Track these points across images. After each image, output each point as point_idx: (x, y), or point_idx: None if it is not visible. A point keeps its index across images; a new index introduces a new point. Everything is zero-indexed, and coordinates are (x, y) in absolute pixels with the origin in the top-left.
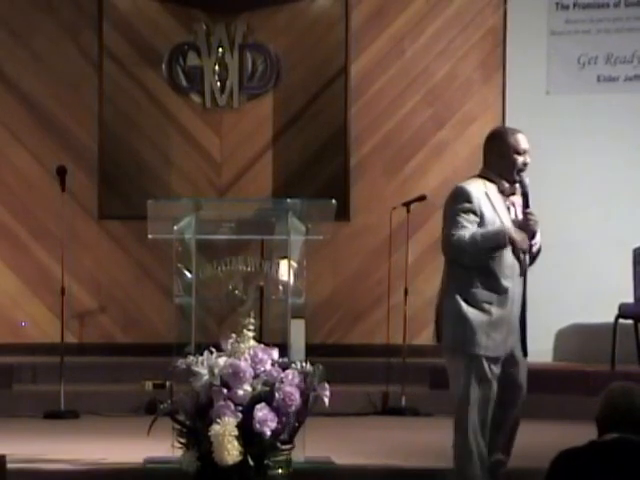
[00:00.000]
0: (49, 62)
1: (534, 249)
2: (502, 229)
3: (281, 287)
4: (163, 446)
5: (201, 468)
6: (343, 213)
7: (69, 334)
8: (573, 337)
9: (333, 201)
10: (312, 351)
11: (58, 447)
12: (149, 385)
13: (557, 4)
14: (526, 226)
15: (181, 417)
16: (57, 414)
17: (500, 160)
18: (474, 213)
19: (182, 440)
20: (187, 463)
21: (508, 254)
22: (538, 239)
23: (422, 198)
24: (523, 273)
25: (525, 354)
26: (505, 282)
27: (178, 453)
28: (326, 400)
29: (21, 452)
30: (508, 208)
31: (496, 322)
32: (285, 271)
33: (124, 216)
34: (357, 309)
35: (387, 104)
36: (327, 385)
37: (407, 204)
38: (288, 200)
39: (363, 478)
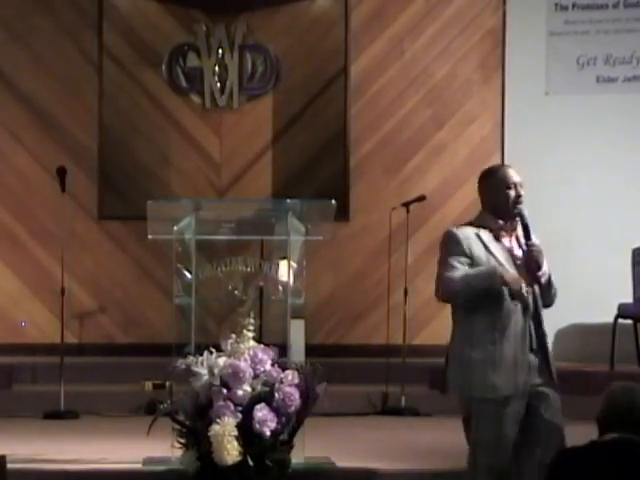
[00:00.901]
0: (49, 63)
1: (542, 280)
2: (493, 269)
3: (281, 287)
4: (163, 446)
5: (201, 468)
6: (343, 213)
7: (69, 334)
8: (572, 337)
9: (333, 201)
10: (312, 351)
11: (58, 447)
12: (149, 385)
13: (556, 5)
14: (529, 259)
15: (181, 417)
16: (57, 414)
17: (493, 198)
18: (465, 255)
19: (182, 440)
20: (187, 463)
21: (507, 293)
22: (545, 269)
23: (422, 198)
24: (526, 307)
25: (553, 386)
26: (506, 319)
27: (178, 453)
28: (326, 400)
29: (21, 452)
30: (510, 249)
31: (500, 361)
32: (285, 271)
33: (124, 216)
34: (357, 309)
35: (387, 105)
36: (327, 385)
37: (407, 204)
38: (288, 200)
39: (363, 478)
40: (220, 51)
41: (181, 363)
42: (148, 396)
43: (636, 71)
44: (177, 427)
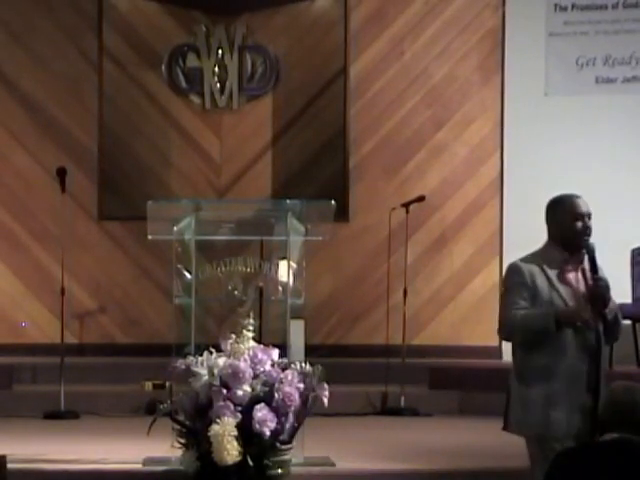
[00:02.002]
0: (49, 63)
1: (608, 317)
2: (548, 312)
3: (280, 288)
4: (163, 446)
5: (201, 468)
6: (342, 214)
7: (69, 334)
8: None
9: (332, 202)
10: (311, 351)
11: (58, 447)
12: (149, 385)
13: (555, 6)
14: (595, 294)
15: (181, 417)
16: (57, 414)
17: (560, 229)
18: (527, 288)
19: (182, 440)
20: (187, 463)
21: (568, 330)
22: (613, 306)
23: (421, 199)
24: (585, 346)
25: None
26: (564, 359)
27: (178, 453)
28: (325, 400)
29: (21, 452)
30: (575, 284)
31: (556, 399)
32: (284, 272)
33: (124, 217)
34: (356, 309)
35: (386, 105)
36: (326, 385)
37: (406, 205)
38: (287, 201)
39: (362, 478)
40: (220, 52)
41: (181, 363)
42: (148, 396)
43: (635, 72)
44: (177, 427)
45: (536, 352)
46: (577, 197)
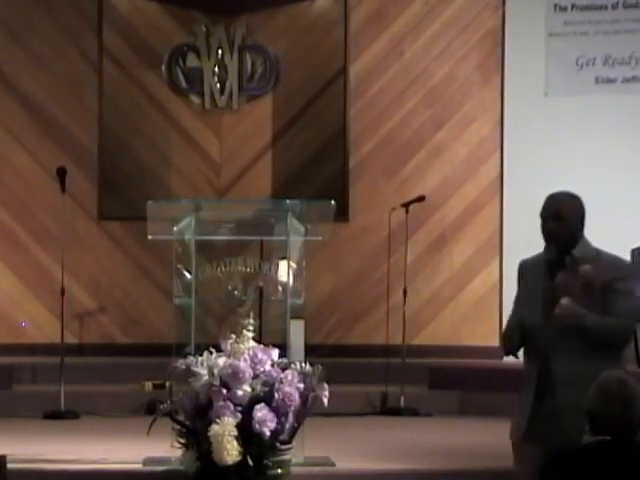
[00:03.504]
0: (49, 63)
1: (562, 320)
2: (514, 318)
3: (280, 288)
4: (163, 446)
5: (201, 468)
6: (342, 214)
7: (69, 334)
8: None
9: (332, 202)
10: (311, 351)
11: (58, 447)
12: (149, 385)
13: (555, 6)
14: (546, 297)
15: (181, 417)
16: (57, 414)
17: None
18: (521, 289)
19: (182, 440)
20: (187, 463)
21: (539, 332)
22: (566, 309)
23: (421, 199)
24: (544, 350)
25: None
26: (536, 363)
27: (178, 453)
28: (325, 400)
29: (21, 452)
30: (555, 284)
31: (522, 405)
32: (284, 272)
33: (124, 217)
34: (356, 309)
35: (386, 105)
36: (326, 385)
37: (406, 205)
38: (287, 201)
39: (362, 478)
40: (220, 52)
41: (181, 363)
42: (148, 396)
43: (635, 72)
44: (177, 427)
45: (525, 355)
46: (548, 197)
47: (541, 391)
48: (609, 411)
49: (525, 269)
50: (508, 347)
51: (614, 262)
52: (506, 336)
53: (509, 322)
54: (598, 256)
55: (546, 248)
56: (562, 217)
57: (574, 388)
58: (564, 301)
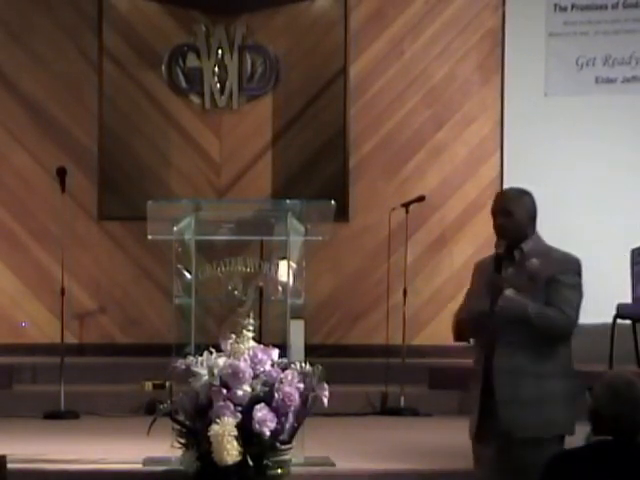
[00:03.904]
0: (49, 63)
1: (500, 312)
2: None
3: (280, 288)
4: (163, 446)
5: (201, 468)
6: (342, 214)
7: (69, 334)
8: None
9: (332, 202)
10: (311, 351)
11: (58, 447)
12: (149, 385)
13: (555, 6)
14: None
15: (181, 417)
16: (57, 414)
17: None
18: (473, 287)
19: (182, 440)
20: (187, 463)
21: (484, 325)
22: (505, 303)
23: (421, 199)
24: (486, 345)
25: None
26: (481, 357)
27: (178, 453)
28: (325, 400)
29: (21, 452)
30: (498, 279)
31: (473, 398)
32: (284, 272)
33: (124, 217)
34: (356, 309)
35: (386, 105)
36: (326, 385)
37: (406, 205)
38: (287, 201)
39: (362, 478)
40: (220, 52)
41: (181, 363)
42: (148, 396)
43: (635, 72)
44: (177, 427)
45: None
46: (497, 193)
47: (487, 387)
48: (616, 411)
49: (479, 266)
50: (458, 337)
51: (562, 258)
52: (458, 326)
53: (458, 312)
54: (548, 251)
55: (497, 243)
56: (511, 212)
57: (511, 382)
58: (508, 292)
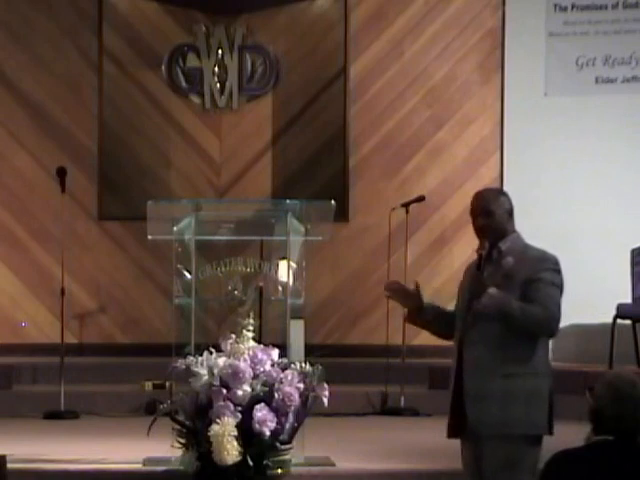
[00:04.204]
0: (49, 63)
1: (483, 310)
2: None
3: (280, 288)
4: (163, 446)
5: (201, 468)
6: (342, 214)
7: (69, 334)
8: (571, 337)
9: (332, 202)
10: (311, 351)
11: (58, 447)
12: (149, 385)
13: (555, 6)
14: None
15: (181, 417)
16: (57, 414)
17: None
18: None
19: (182, 440)
20: (187, 463)
21: (460, 323)
22: (488, 301)
23: (421, 199)
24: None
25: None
26: (456, 352)
27: (178, 453)
28: (325, 400)
29: (21, 452)
30: (477, 279)
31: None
32: (284, 272)
33: (124, 217)
34: (356, 309)
35: (386, 105)
36: (326, 385)
37: (406, 205)
38: (287, 201)
39: (362, 478)
40: (220, 52)
41: (181, 363)
42: (148, 396)
43: (635, 72)
44: (177, 427)
45: None
46: (475, 195)
47: (459, 383)
48: (619, 411)
49: (466, 270)
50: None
51: (539, 256)
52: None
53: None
54: (524, 250)
55: (480, 244)
56: (491, 212)
57: (478, 380)
58: (492, 290)
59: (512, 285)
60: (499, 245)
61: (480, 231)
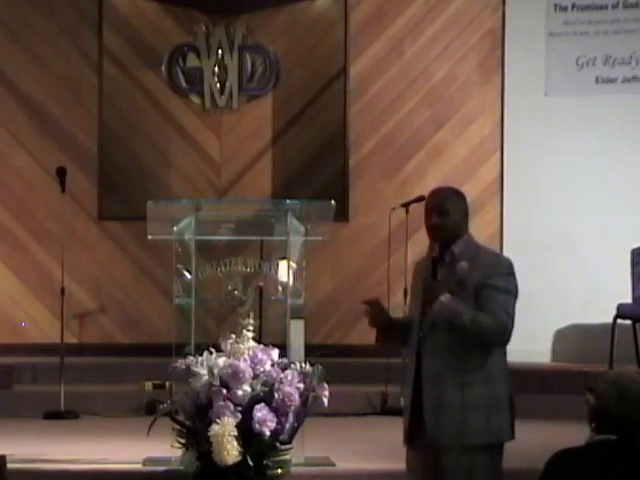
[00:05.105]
0: (49, 63)
1: (438, 316)
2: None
3: (280, 288)
4: (163, 446)
5: (201, 468)
6: (342, 214)
7: (69, 334)
8: (572, 337)
9: (332, 202)
10: (311, 351)
11: (58, 447)
12: (149, 385)
13: (556, 6)
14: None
15: (181, 417)
16: (57, 414)
17: None
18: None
19: (182, 440)
20: (187, 463)
21: (415, 328)
22: (441, 307)
23: (421, 199)
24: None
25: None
26: (413, 359)
27: (178, 453)
28: (325, 400)
29: (21, 452)
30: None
31: (405, 405)
32: (284, 272)
33: (124, 217)
34: (356, 309)
35: (386, 105)
36: (326, 385)
37: (406, 205)
38: (287, 201)
39: (362, 478)
40: (220, 52)
41: (181, 363)
42: (148, 396)
43: (635, 72)
44: (177, 427)
45: None
46: (431, 192)
47: (418, 392)
48: (625, 410)
49: (418, 267)
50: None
51: (491, 261)
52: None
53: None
54: (477, 253)
55: (430, 245)
56: (447, 212)
57: (435, 389)
58: (443, 298)
59: (465, 291)
60: (452, 249)
61: (432, 230)
